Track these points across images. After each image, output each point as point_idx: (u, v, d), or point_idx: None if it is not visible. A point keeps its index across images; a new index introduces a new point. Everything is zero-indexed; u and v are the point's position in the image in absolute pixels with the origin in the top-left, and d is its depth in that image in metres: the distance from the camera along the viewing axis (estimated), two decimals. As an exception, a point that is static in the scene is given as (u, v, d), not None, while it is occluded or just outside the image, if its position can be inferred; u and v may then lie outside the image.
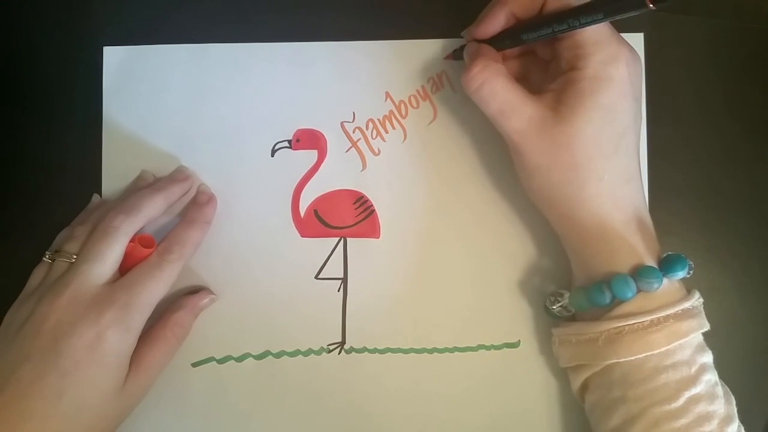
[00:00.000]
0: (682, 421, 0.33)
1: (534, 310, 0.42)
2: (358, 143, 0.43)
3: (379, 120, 0.43)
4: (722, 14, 0.43)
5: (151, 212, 0.39)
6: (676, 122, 0.43)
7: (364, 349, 0.42)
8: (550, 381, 0.41)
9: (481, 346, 0.42)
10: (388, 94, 0.43)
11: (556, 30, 0.34)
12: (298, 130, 0.43)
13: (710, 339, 0.36)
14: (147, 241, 0.38)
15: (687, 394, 0.34)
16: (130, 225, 0.37)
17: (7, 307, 0.38)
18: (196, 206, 0.41)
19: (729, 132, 0.43)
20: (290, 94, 0.43)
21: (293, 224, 0.42)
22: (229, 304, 0.42)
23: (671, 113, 0.43)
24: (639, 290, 0.35)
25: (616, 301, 0.35)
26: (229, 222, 0.42)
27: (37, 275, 0.38)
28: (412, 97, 0.43)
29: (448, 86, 0.43)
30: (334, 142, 0.43)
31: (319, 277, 0.42)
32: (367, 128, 0.43)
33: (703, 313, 0.36)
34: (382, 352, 0.42)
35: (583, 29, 0.34)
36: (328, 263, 0.42)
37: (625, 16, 0.31)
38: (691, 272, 0.36)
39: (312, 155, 0.43)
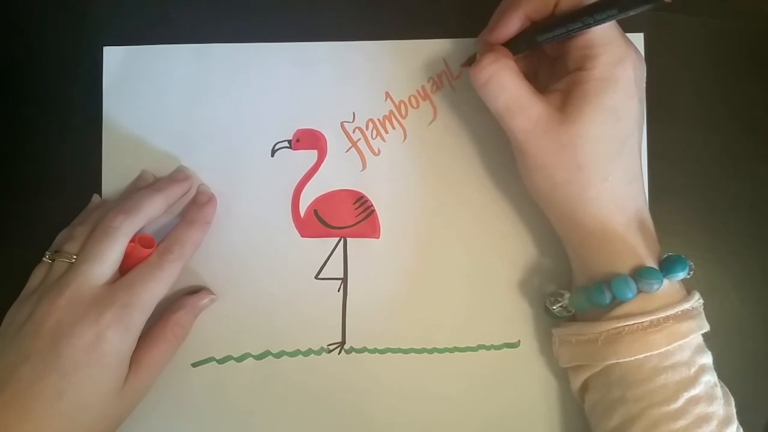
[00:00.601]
0: (681, 423, 0.33)
1: (534, 310, 0.42)
2: (358, 143, 0.43)
3: (379, 120, 0.43)
4: (722, 14, 0.43)
5: (151, 212, 0.38)
6: (676, 122, 0.43)
7: (364, 349, 0.42)
8: (550, 381, 0.42)
9: (481, 346, 0.42)
10: (388, 94, 0.43)
11: (570, 29, 0.34)
12: (298, 130, 0.43)
13: (710, 340, 0.36)
14: (147, 242, 0.38)
15: (686, 395, 0.34)
16: (130, 225, 0.37)
17: (7, 307, 0.38)
18: (196, 206, 0.41)
19: (729, 132, 0.43)
20: (290, 94, 0.43)
21: (293, 224, 0.42)
22: (229, 304, 0.42)
23: (671, 113, 0.43)
24: (639, 291, 0.35)
25: (616, 302, 0.35)
26: (229, 222, 0.42)
27: (37, 275, 0.38)
28: (412, 97, 0.43)
29: (448, 86, 0.43)
30: (334, 142, 0.43)
31: (319, 277, 0.42)
32: (367, 128, 0.43)
33: (703, 314, 0.36)
34: (382, 352, 0.42)
35: (591, 29, 0.34)
36: (328, 263, 0.42)
37: (639, 10, 0.31)
38: (691, 273, 0.36)
39: (312, 155, 0.43)
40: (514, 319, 0.42)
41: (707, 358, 0.35)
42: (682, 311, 0.35)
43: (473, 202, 0.42)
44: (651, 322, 0.34)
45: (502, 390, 0.42)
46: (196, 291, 0.42)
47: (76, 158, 0.43)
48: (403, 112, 0.43)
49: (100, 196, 0.42)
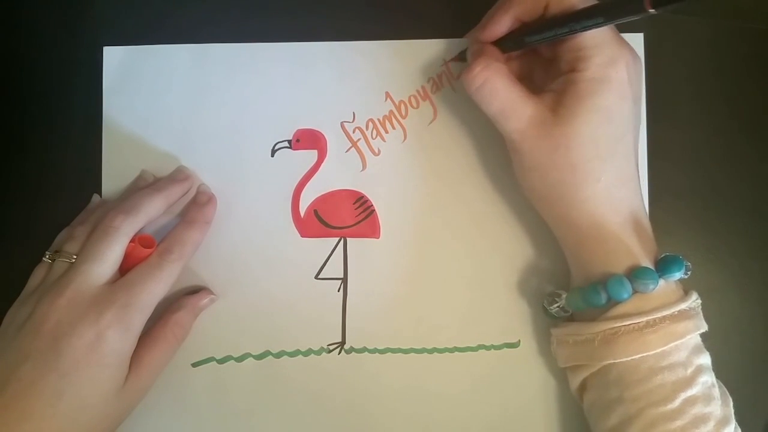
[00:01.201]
0: (678, 423, 0.33)
1: (534, 310, 0.42)
2: (358, 143, 0.43)
3: (379, 120, 0.43)
4: (722, 14, 0.43)
5: (151, 212, 0.38)
6: (676, 122, 0.43)
7: (364, 349, 0.42)
8: (549, 381, 0.42)
9: (481, 346, 0.42)
10: (388, 94, 0.43)
11: (558, 33, 0.34)
12: (298, 130, 0.43)
13: (709, 340, 0.36)
14: (147, 241, 0.38)
15: (683, 396, 0.34)
16: (130, 225, 0.37)
17: (8, 307, 0.38)
18: (196, 206, 0.41)
19: (729, 132, 0.43)
20: (290, 94, 0.43)
21: (293, 224, 0.42)
22: (229, 304, 0.42)
23: (671, 113, 0.43)
24: (635, 291, 0.35)
25: (612, 302, 0.35)
26: (229, 222, 0.42)
27: (37, 275, 0.38)
28: (412, 97, 0.43)
29: (448, 86, 0.43)
30: (334, 142, 0.43)
31: (319, 277, 0.42)
32: (367, 128, 0.43)
33: (701, 314, 0.36)
34: (382, 352, 0.42)
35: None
36: (328, 263, 0.42)
37: (625, 20, 0.31)
38: (688, 273, 0.36)
39: (312, 155, 0.43)
40: (514, 319, 0.42)
41: (705, 359, 0.35)
42: (678, 311, 0.35)
43: (473, 202, 0.42)
44: (647, 322, 0.34)
45: (502, 390, 0.42)
46: (196, 291, 0.42)
47: (76, 158, 0.43)
48: (403, 112, 0.43)
49: (100, 196, 0.42)
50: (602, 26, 0.33)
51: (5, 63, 0.43)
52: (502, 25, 0.37)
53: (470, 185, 0.42)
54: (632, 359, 0.34)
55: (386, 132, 0.43)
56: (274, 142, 0.43)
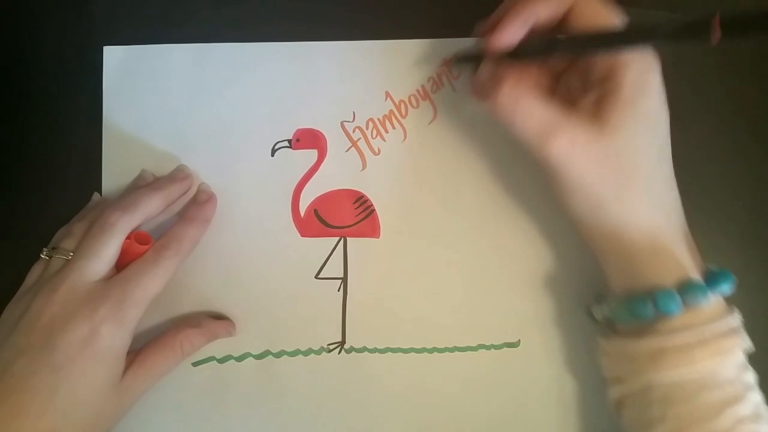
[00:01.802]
0: None
1: (534, 310, 0.42)
2: (358, 143, 0.43)
3: (379, 120, 0.43)
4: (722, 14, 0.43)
5: (148, 210, 0.38)
6: (676, 122, 0.42)
7: (364, 349, 0.42)
8: (550, 381, 0.41)
9: (481, 346, 0.42)
10: (388, 94, 0.43)
11: (590, 53, 0.33)
12: (298, 130, 0.43)
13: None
14: (143, 238, 0.38)
15: (731, 413, 0.32)
16: (127, 222, 0.37)
17: (6, 305, 0.38)
18: (196, 204, 0.41)
19: (729, 132, 0.43)
20: (290, 94, 0.43)
21: (293, 224, 0.42)
22: (229, 304, 0.42)
23: (671, 113, 0.42)
24: (684, 305, 0.33)
25: (660, 316, 0.34)
26: (229, 222, 0.42)
27: (35, 272, 0.38)
28: (412, 97, 0.43)
29: (448, 86, 0.43)
30: (334, 142, 0.43)
31: (319, 276, 0.42)
32: (367, 128, 0.43)
33: (744, 330, 0.34)
34: (382, 351, 0.42)
35: None
36: (328, 263, 0.42)
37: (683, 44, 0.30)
38: (734, 288, 0.34)
39: (312, 155, 0.43)
40: (514, 319, 0.42)
41: (751, 376, 0.34)
42: (727, 327, 0.33)
43: (473, 202, 0.42)
44: (696, 337, 0.33)
45: (502, 390, 0.41)
46: (220, 317, 0.41)
47: (76, 158, 0.43)
48: (403, 112, 0.43)
49: (101, 195, 0.42)
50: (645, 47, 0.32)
51: (6, 63, 0.44)
52: (517, 31, 0.34)
53: (470, 185, 0.42)
54: (679, 376, 0.33)
55: (386, 132, 0.43)
56: (274, 142, 0.43)
